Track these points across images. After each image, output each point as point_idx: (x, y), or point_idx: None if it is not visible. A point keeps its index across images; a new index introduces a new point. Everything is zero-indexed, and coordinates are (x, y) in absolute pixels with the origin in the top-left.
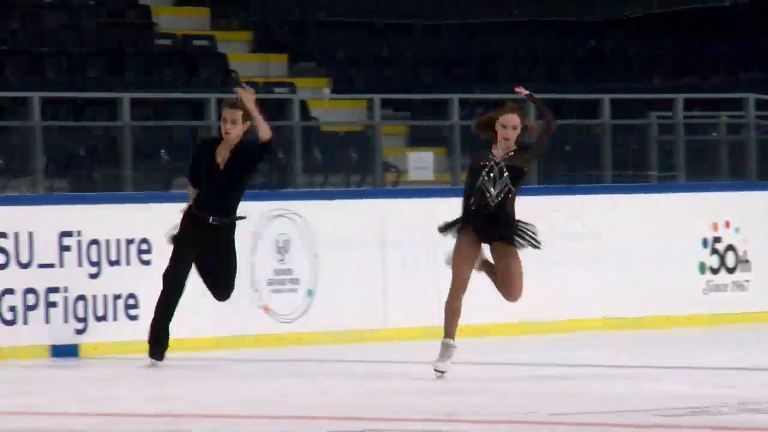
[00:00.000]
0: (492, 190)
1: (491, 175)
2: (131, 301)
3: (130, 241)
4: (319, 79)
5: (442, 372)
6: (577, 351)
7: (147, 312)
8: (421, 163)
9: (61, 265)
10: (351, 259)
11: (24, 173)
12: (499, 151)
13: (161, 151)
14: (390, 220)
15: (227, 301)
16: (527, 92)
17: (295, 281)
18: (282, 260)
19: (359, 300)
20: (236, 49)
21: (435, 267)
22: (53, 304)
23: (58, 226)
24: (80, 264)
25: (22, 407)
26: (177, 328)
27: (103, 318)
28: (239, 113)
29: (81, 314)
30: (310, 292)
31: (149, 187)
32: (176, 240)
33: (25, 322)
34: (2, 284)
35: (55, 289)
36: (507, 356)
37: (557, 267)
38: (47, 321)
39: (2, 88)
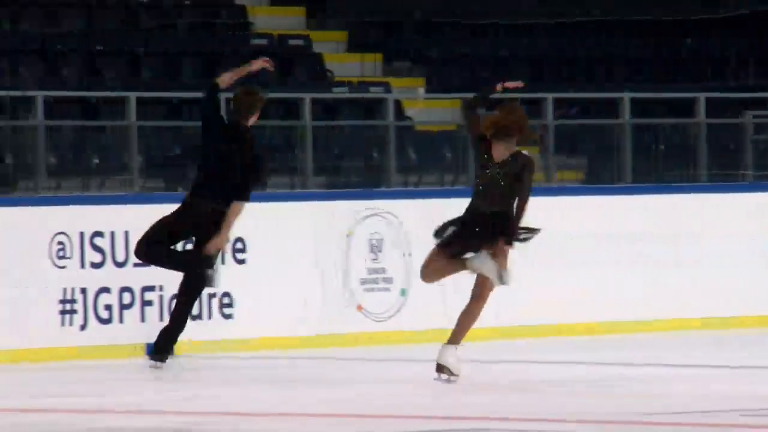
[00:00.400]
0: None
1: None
2: (226, 300)
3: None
4: (413, 79)
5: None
6: (673, 351)
7: (242, 311)
8: None
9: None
10: None
11: (120, 172)
12: (499, 155)
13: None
14: None
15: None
16: (512, 84)
17: (389, 280)
18: (375, 259)
19: (451, 300)
20: (331, 48)
21: (525, 266)
22: (149, 303)
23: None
24: None
25: (119, 406)
26: (272, 327)
27: (198, 317)
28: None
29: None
30: (403, 292)
31: None
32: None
33: (121, 321)
34: (98, 283)
35: (150, 288)
36: (595, 355)
37: (651, 267)
38: (143, 320)
39: (99, 88)
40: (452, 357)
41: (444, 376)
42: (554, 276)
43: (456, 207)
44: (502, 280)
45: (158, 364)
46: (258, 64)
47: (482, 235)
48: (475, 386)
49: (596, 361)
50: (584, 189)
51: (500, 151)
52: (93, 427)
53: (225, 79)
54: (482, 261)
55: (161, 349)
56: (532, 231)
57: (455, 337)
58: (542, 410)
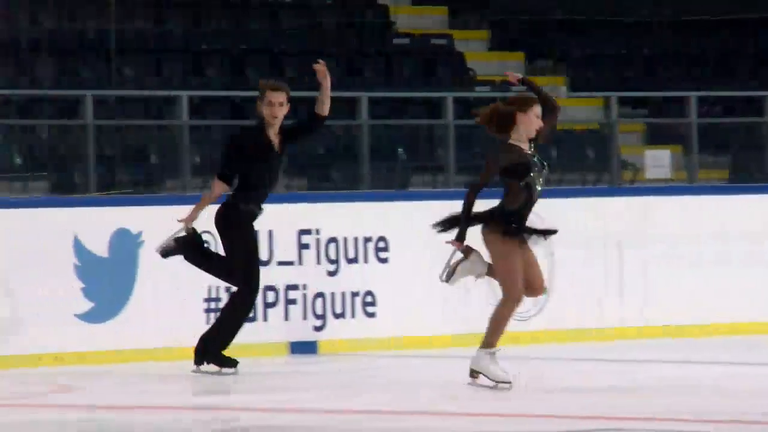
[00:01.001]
0: (538, 186)
1: (536, 169)
2: (369, 299)
3: (367, 239)
4: (556, 77)
5: (507, 382)
6: None
7: (385, 310)
8: (659, 161)
9: (300, 263)
10: (586, 257)
11: None
12: (525, 144)
13: (398, 149)
14: (627, 217)
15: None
16: (519, 76)
17: None
18: None
19: (594, 299)
20: (473, 47)
21: (669, 265)
22: (292, 302)
23: (297, 225)
24: (319, 262)
25: (265, 404)
26: (414, 326)
27: (341, 315)
28: (285, 95)
29: (319, 311)
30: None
31: (386, 185)
32: (244, 249)
33: (265, 319)
34: None
35: (294, 287)
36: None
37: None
38: (286, 318)
39: (243, 88)
40: (485, 361)
41: (478, 381)
42: (701, 275)
43: (595, 205)
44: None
45: (199, 368)
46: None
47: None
48: (618, 388)
49: (741, 361)
50: (728, 188)
51: (525, 141)
52: (244, 425)
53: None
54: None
55: (201, 353)
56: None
57: (487, 341)
58: (684, 410)
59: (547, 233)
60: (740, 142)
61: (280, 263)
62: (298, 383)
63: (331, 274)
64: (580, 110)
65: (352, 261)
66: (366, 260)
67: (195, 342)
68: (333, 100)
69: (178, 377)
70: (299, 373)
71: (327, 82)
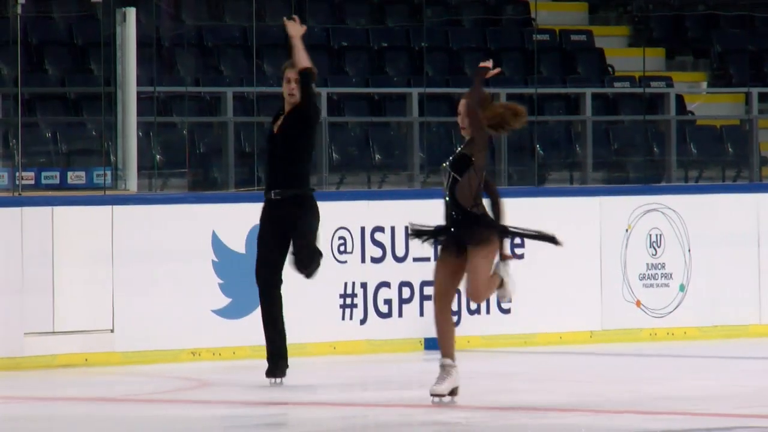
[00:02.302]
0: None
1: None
2: None
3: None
4: (695, 73)
5: (440, 396)
6: None
7: (519, 306)
8: None
9: (436, 259)
10: (725, 254)
11: (402, 168)
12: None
13: (537, 145)
14: (766, 214)
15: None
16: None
17: (668, 276)
18: (655, 255)
19: (732, 296)
20: (613, 43)
21: None
22: (428, 298)
23: (432, 221)
24: None
25: (400, 400)
26: (551, 322)
27: (476, 312)
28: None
29: (454, 308)
30: (682, 287)
31: (523, 181)
32: (258, 238)
33: (400, 315)
34: (378, 278)
35: (429, 283)
36: None
37: None
38: (421, 314)
39: (383, 84)
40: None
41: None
42: None
43: (738, 203)
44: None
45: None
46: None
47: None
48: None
49: None
50: None
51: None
52: (381, 420)
53: None
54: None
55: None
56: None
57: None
58: None
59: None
60: None
61: (416, 259)
62: (433, 380)
63: None
64: (720, 106)
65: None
66: (501, 257)
67: (332, 337)
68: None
69: (314, 373)
70: (434, 369)
71: (298, 36)
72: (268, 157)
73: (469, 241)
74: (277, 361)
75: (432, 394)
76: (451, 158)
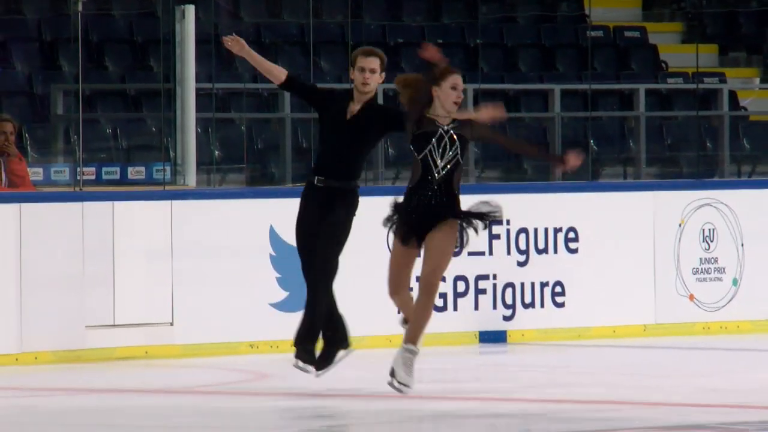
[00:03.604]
0: (438, 161)
1: (442, 143)
2: (558, 289)
3: (557, 230)
4: (748, 69)
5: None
6: None
7: (573, 300)
8: None
9: (491, 253)
10: None
11: None
12: (443, 118)
13: (591, 141)
14: None
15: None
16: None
17: (721, 270)
18: (708, 249)
19: None
20: (667, 39)
21: None
22: (482, 291)
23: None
24: (509, 252)
25: (454, 392)
26: (603, 316)
27: (530, 305)
28: (378, 61)
29: (509, 301)
30: (735, 281)
31: (578, 176)
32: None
33: (455, 309)
34: None
35: (484, 277)
36: None
37: None
38: (476, 308)
39: None
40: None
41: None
42: None
43: None
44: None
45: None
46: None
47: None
48: None
49: None
50: None
51: (443, 115)
52: (437, 412)
53: None
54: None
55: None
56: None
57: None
58: None
59: (484, 217)
60: None
61: (471, 254)
62: (488, 372)
63: (521, 264)
64: None
65: (542, 251)
66: (555, 251)
67: (388, 330)
68: (526, 93)
69: (371, 366)
70: (489, 362)
71: (244, 51)
72: (330, 140)
73: (454, 216)
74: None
75: (395, 385)
76: (447, 139)
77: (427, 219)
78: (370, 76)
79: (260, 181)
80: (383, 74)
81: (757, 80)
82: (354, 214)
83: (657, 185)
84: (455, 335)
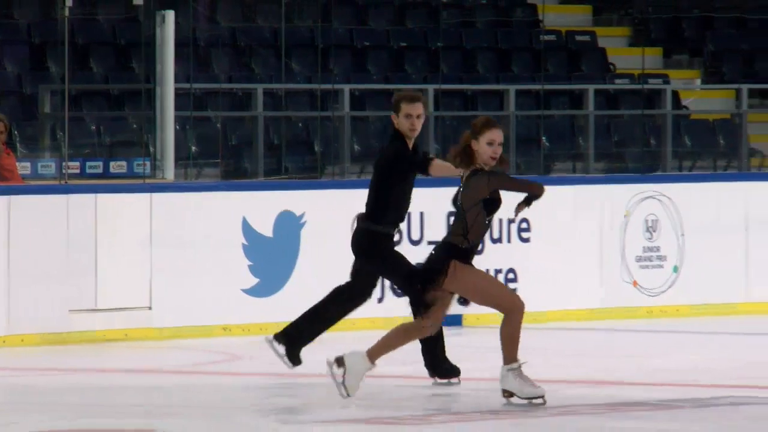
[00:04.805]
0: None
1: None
2: (511, 276)
3: (511, 221)
4: (690, 71)
5: (539, 397)
6: None
7: (526, 286)
8: None
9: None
10: (715, 238)
11: None
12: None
13: (543, 137)
14: (753, 201)
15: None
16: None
17: (662, 258)
18: (650, 238)
19: (721, 276)
20: (615, 43)
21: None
22: None
23: (447, 207)
24: None
25: (416, 373)
26: (554, 301)
27: None
28: (422, 107)
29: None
30: (675, 269)
31: (530, 171)
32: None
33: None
34: None
35: None
36: None
37: None
38: None
39: (402, 81)
40: (511, 380)
41: (512, 400)
42: None
43: (728, 191)
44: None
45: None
46: None
47: None
48: None
49: None
50: None
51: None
52: (399, 392)
53: None
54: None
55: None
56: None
57: (506, 357)
58: None
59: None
60: None
61: (430, 242)
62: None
63: (477, 253)
64: (712, 102)
65: (497, 241)
66: (509, 240)
67: (350, 314)
68: (484, 93)
69: (335, 347)
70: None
71: None
72: (404, 191)
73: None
74: (291, 338)
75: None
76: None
77: None
78: (417, 121)
79: (234, 176)
80: (425, 115)
81: (698, 81)
82: None
83: (604, 179)
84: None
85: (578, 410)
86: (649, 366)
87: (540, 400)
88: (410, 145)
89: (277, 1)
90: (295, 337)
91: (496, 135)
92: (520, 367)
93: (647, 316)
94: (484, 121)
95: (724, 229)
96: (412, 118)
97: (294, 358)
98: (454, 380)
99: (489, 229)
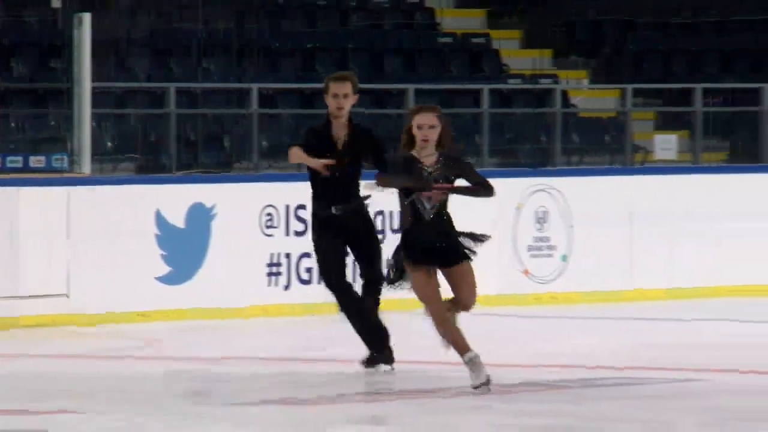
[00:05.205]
0: (426, 203)
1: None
2: None
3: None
4: (579, 72)
5: (486, 383)
6: None
7: None
8: (667, 144)
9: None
10: (601, 228)
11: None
12: (427, 159)
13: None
14: (637, 194)
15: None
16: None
17: (552, 248)
18: (541, 229)
19: (608, 265)
20: (508, 45)
21: (669, 238)
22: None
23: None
24: None
25: (331, 357)
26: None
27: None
28: (350, 86)
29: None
30: (564, 257)
31: None
32: (316, 248)
33: (319, 282)
34: (300, 249)
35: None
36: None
37: None
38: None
39: (313, 81)
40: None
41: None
42: (700, 246)
43: (614, 185)
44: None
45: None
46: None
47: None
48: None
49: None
50: (728, 168)
51: (426, 156)
52: (313, 374)
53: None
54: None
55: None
56: (481, 238)
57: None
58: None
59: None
60: (739, 128)
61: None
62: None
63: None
64: (600, 101)
65: (397, 231)
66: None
67: (261, 301)
68: (389, 92)
69: (246, 333)
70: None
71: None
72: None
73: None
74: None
75: (475, 387)
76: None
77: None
78: (344, 101)
79: (149, 170)
80: (356, 95)
81: (586, 81)
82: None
83: (498, 173)
84: (319, 305)
85: (470, 392)
86: (540, 349)
87: (484, 388)
88: (343, 128)
89: (194, 3)
90: (373, 345)
91: (424, 119)
92: (470, 359)
93: (538, 303)
94: (415, 108)
95: (610, 220)
96: (339, 98)
97: (388, 359)
98: (386, 367)
99: (416, 211)
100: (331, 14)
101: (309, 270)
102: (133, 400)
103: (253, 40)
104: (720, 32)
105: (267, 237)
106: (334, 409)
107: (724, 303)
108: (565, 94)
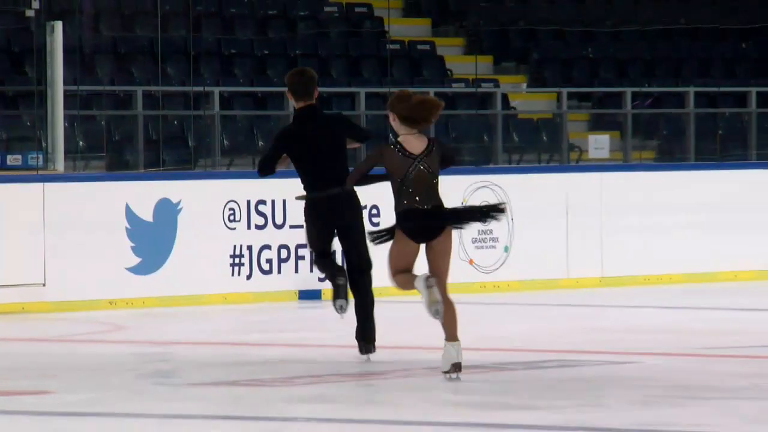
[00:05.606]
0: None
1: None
2: None
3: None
4: (517, 76)
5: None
6: (731, 297)
7: (375, 266)
8: (600, 144)
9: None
10: (540, 222)
11: None
12: (413, 145)
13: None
14: (573, 190)
15: None
16: None
17: (495, 240)
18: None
19: (546, 256)
20: (452, 52)
21: (602, 230)
22: (301, 258)
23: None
24: None
25: (282, 340)
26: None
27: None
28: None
29: None
30: (506, 249)
31: None
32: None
33: (279, 272)
34: (261, 241)
35: (303, 246)
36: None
37: (713, 229)
38: (296, 271)
39: (265, 84)
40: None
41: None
42: (631, 238)
43: (551, 181)
44: (435, 315)
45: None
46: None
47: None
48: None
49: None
50: (656, 166)
51: (413, 143)
52: (263, 358)
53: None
54: (425, 287)
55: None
56: (497, 208)
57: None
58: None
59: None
60: (666, 129)
61: (292, 227)
62: (305, 324)
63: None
64: (537, 103)
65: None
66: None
67: (223, 290)
68: (337, 95)
69: (209, 319)
70: (307, 316)
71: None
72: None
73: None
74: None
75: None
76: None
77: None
78: None
79: (118, 167)
80: (317, 89)
81: (524, 85)
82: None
83: (443, 171)
84: (279, 293)
85: (418, 373)
86: (484, 334)
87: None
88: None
89: (154, 12)
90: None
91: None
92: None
93: (482, 291)
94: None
95: (548, 214)
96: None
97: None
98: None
99: (404, 193)
100: (280, 23)
101: (269, 261)
102: (101, 381)
103: (208, 47)
104: (643, 40)
105: (230, 230)
106: (285, 389)
107: (653, 291)
108: (505, 97)
